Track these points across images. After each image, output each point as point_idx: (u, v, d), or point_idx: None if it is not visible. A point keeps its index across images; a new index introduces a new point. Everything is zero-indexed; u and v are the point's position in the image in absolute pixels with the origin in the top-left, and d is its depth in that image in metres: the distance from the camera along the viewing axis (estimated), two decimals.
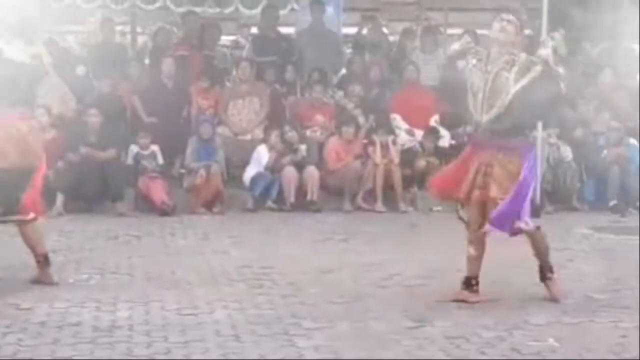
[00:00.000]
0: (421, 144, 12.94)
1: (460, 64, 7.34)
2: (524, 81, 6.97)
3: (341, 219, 11.87)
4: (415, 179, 12.65)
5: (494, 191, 7.13)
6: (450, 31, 16.44)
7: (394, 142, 12.77)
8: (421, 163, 12.69)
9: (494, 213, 7.12)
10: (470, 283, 7.54)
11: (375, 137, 12.75)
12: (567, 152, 12.58)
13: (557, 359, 6.07)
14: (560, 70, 7.42)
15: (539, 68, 7.02)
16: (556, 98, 7.48)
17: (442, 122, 13.27)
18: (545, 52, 7.14)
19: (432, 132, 12.96)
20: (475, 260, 7.54)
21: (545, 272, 7.57)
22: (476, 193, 7.25)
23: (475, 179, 7.24)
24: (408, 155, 12.81)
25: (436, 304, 7.40)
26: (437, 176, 8.09)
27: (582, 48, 16.86)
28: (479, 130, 7.23)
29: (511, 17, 7.17)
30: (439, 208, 12.34)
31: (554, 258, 9.15)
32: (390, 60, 14.32)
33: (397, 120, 13.15)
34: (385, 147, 12.65)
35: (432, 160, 12.70)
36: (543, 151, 12.34)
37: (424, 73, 13.81)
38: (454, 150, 12.95)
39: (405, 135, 13.04)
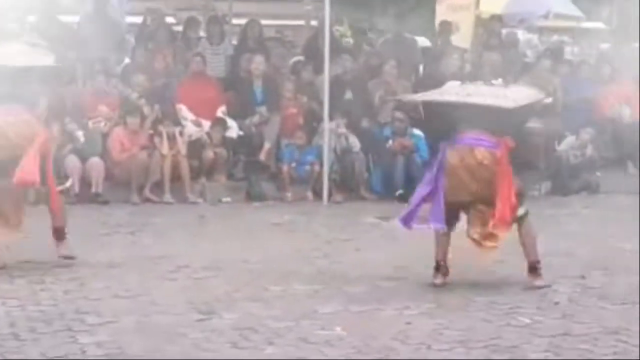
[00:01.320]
0: (208, 134, 12.81)
1: None
2: None
3: (128, 211, 11.60)
4: (204, 170, 12.54)
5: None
6: (235, 21, 16.40)
7: (181, 133, 12.60)
8: (209, 154, 12.58)
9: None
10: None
11: (161, 128, 12.53)
12: (355, 142, 12.70)
13: (344, 347, 6.08)
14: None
15: None
16: None
17: (230, 113, 13.17)
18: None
19: (220, 123, 12.85)
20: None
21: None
22: None
23: None
24: (195, 146, 12.65)
25: (225, 295, 7.33)
26: None
27: (367, 38, 17.20)
28: None
29: None
30: (228, 199, 12.30)
31: (341, 247, 9.32)
32: (175, 50, 14.10)
33: (184, 111, 12.97)
34: (172, 138, 12.46)
35: (220, 151, 12.63)
36: (330, 141, 12.43)
37: (210, 63, 13.67)
38: (243, 141, 12.98)
39: (192, 126, 12.87)
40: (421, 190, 7.87)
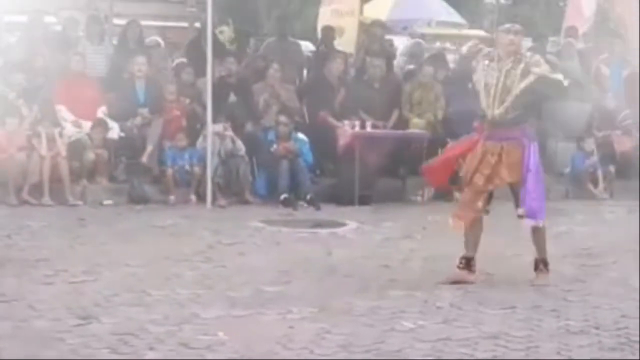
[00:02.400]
0: (89, 136, 12.55)
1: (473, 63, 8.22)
2: (526, 81, 7.89)
3: (6, 213, 11.30)
4: (85, 172, 12.29)
5: (505, 175, 8.01)
6: (116, 21, 16.15)
7: (61, 134, 12.32)
8: (90, 155, 12.34)
9: (526, 207, 7.98)
10: (469, 263, 8.08)
11: (40, 129, 12.23)
12: (240, 146, 12.60)
13: (226, 352, 6.02)
14: (559, 76, 8.39)
15: (537, 70, 7.97)
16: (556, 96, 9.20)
17: (111, 114, 12.94)
18: (539, 69, 8.02)
19: (100, 124, 12.61)
20: (474, 241, 8.12)
21: (539, 264, 8.13)
22: (479, 178, 8.01)
23: (479, 165, 7.98)
24: (76, 148, 12.38)
25: (104, 300, 7.19)
26: (433, 164, 8.83)
27: (250, 42, 17.14)
28: (487, 123, 8.00)
29: (517, 27, 8.10)
30: (110, 202, 12.08)
31: (225, 251, 9.25)
32: (55, 49, 13.80)
33: (63, 111, 12.69)
34: (51, 139, 12.17)
35: (101, 152, 12.40)
36: (214, 144, 12.31)
37: (91, 63, 13.43)
38: (125, 142, 12.76)
39: (72, 127, 12.60)
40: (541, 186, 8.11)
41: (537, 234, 8.19)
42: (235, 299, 7.38)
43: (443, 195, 13.21)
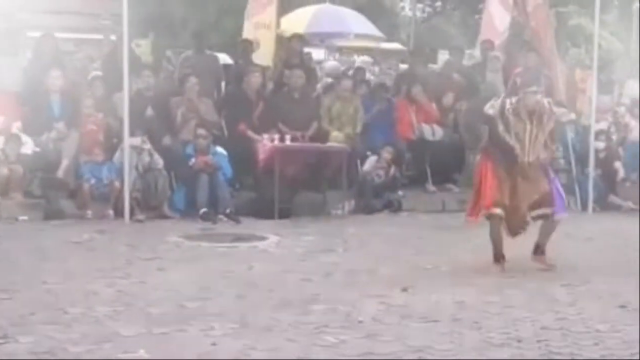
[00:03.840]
0: (3, 151, 12.31)
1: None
2: (549, 127, 9.45)
3: None
4: None
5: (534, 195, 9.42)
6: (30, 34, 15.90)
7: None
8: (3, 171, 12.11)
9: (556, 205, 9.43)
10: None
11: None
12: (159, 160, 12.47)
13: None
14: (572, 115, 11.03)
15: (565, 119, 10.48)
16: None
17: (26, 129, 12.71)
18: (566, 118, 11.00)
19: (13, 139, 12.37)
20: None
21: (538, 249, 9.50)
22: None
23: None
24: None
25: (20, 318, 7.02)
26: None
27: (166, 55, 17.03)
28: (520, 166, 9.36)
29: (540, 89, 9.50)
30: (25, 217, 11.86)
31: (144, 266, 9.11)
32: None
33: None
34: None
35: (15, 167, 12.17)
36: (132, 159, 12.16)
37: (4, 77, 13.15)
38: (40, 157, 12.52)
39: None
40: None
41: (551, 225, 9.46)
42: (155, 315, 7.26)
43: (363, 208, 13.29)
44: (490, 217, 9.33)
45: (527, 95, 9.30)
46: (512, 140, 9.32)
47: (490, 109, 9.41)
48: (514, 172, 9.36)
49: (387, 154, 13.71)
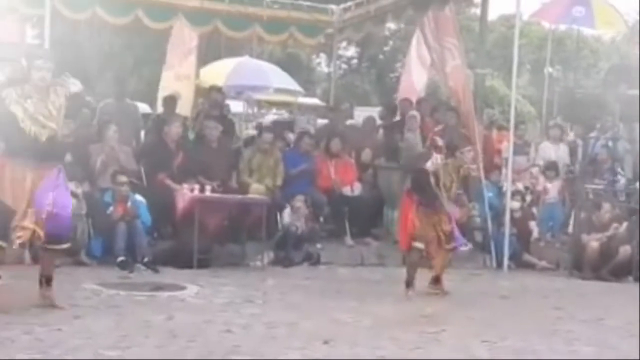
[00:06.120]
0: None
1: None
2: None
3: None
4: None
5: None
6: None
7: None
8: None
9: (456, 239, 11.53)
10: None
11: None
12: (83, 206, 12.31)
13: None
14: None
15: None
16: None
17: None
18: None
19: None
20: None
21: (436, 279, 11.46)
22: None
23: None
24: None
25: None
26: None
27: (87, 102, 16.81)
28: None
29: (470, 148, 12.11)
30: None
31: (61, 314, 8.91)
32: None
33: None
34: None
35: None
36: None
37: None
38: None
39: None
40: None
41: (448, 258, 11.46)
42: None
43: (282, 260, 13.28)
44: (412, 248, 11.11)
45: (462, 155, 11.40)
46: (438, 192, 11.15)
47: (432, 166, 11.13)
48: (433, 214, 11.21)
49: (298, 202, 13.73)
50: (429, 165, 11.20)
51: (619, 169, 15.48)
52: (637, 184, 14.90)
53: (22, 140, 8.91)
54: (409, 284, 11.10)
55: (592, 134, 16.63)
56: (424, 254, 11.19)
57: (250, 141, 15.31)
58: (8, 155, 9.06)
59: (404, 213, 11.42)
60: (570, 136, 18.35)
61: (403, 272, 11.43)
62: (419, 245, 11.10)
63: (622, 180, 15.40)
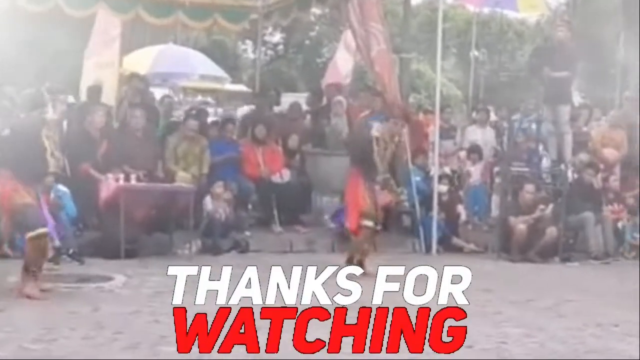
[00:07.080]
0: None
1: None
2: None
3: None
4: None
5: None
6: None
7: None
8: None
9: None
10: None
11: None
12: None
13: None
14: None
15: None
16: None
17: None
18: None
19: None
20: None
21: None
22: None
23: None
24: None
25: None
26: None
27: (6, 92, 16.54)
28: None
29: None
30: None
31: None
32: None
33: None
34: None
35: None
36: None
37: None
38: None
39: None
40: None
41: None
42: None
43: (209, 249, 13.18)
44: (361, 227, 11.29)
45: (396, 125, 11.78)
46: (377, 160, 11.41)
47: (376, 132, 11.47)
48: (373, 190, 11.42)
49: (218, 189, 13.62)
50: (373, 131, 11.56)
51: (543, 151, 15.61)
52: (562, 165, 15.02)
53: None
54: (351, 260, 11.40)
55: (515, 117, 16.77)
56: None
57: (173, 127, 15.15)
58: None
59: (352, 191, 11.51)
60: (496, 118, 18.48)
61: (332, 258, 11.45)
62: (368, 223, 11.26)
63: (546, 163, 15.53)
